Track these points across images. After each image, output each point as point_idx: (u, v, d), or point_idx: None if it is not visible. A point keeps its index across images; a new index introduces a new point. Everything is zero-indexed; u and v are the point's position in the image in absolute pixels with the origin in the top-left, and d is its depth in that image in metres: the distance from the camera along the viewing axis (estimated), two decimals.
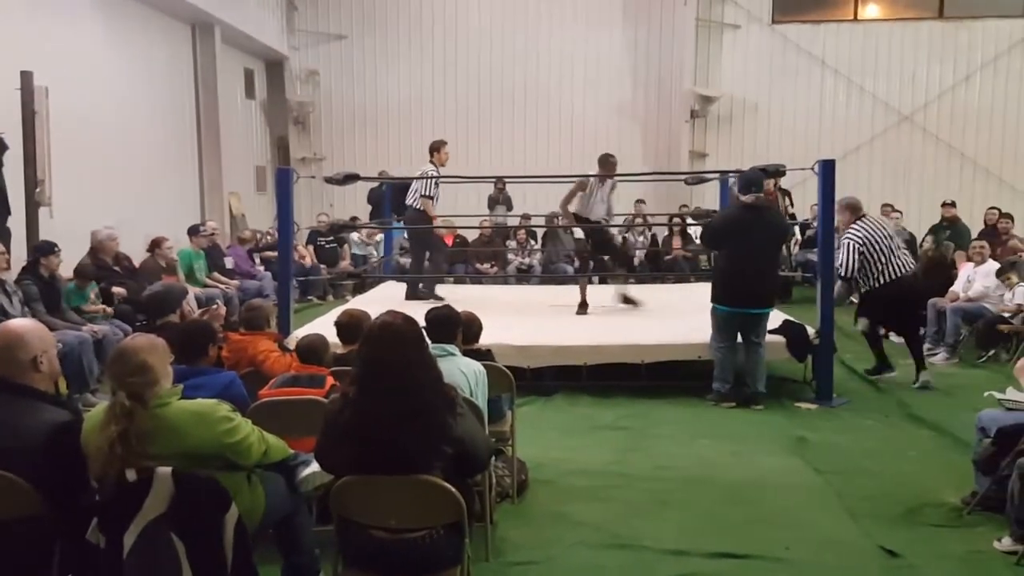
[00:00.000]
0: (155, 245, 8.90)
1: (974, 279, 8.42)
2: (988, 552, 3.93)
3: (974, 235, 11.06)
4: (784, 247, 9.57)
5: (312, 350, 4.33)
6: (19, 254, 7.20)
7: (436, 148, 8.94)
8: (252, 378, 4.31)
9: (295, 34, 15.50)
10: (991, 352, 8.09)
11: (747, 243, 6.31)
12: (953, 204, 11.85)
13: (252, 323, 5.01)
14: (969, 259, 8.77)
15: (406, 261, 12.47)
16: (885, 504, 4.54)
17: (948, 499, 4.56)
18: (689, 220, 11.50)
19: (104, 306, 7.38)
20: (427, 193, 8.72)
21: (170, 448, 2.68)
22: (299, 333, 6.22)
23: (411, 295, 8.82)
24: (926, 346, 8.49)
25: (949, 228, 11.47)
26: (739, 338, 6.47)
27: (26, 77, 7.24)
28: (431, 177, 8.76)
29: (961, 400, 6.55)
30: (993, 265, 8.42)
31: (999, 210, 11.62)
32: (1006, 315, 8.04)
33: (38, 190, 7.35)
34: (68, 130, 8.40)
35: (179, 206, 11.72)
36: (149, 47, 11.13)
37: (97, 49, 9.93)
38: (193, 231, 9.83)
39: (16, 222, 7.44)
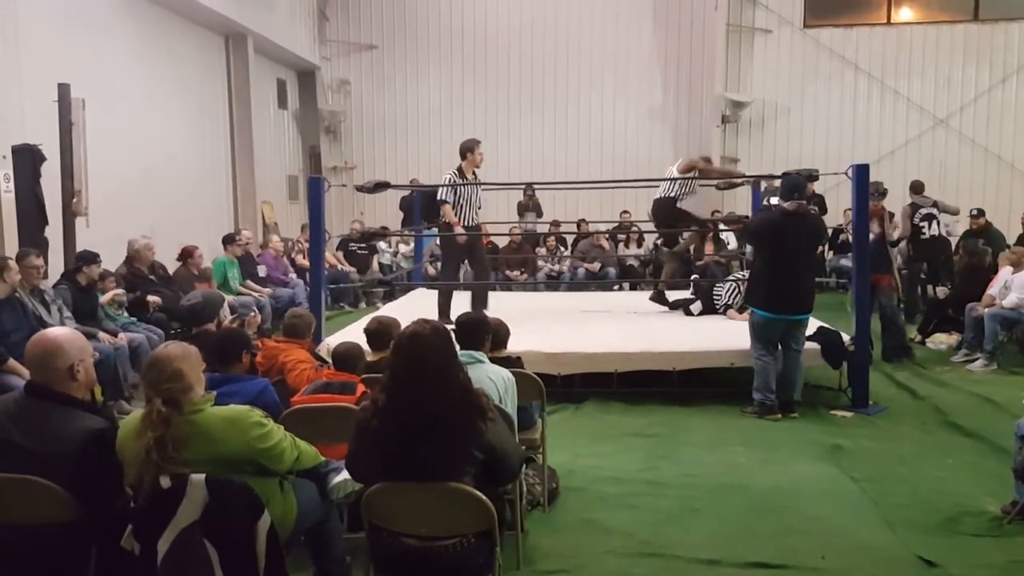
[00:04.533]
0: (186, 255, 9.02)
1: (1012, 286, 8.21)
2: None
3: (1011, 240, 10.87)
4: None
5: (347, 358, 4.36)
6: (56, 263, 7.32)
7: (469, 149, 8.15)
8: (281, 385, 4.34)
9: (326, 44, 15.64)
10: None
11: (787, 249, 6.26)
12: (981, 214, 11.57)
13: (293, 330, 5.02)
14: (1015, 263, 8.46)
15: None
16: (922, 513, 4.47)
17: (987, 508, 4.48)
18: (721, 226, 11.42)
19: (117, 290, 7.44)
20: (442, 197, 8.02)
21: (203, 454, 2.70)
22: (331, 340, 6.26)
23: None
24: (963, 352, 8.37)
25: (981, 236, 11.26)
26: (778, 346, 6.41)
27: (63, 89, 7.36)
28: (448, 184, 8.05)
29: (1000, 407, 6.44)
30: None
31: None
32: None
33: (75, 200, 7.47)
34: (104, 141, 8.54)
35: (213, 215, 11.86)
36: (183, 58, 11.28)
37: (133, 61, 10.08)
38: (228, 240, 9.94)
39: (53, 232, 7.57)
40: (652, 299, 8.92)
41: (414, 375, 2.82)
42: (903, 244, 9.70)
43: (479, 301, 8.01)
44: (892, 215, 8.51)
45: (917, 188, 10.42)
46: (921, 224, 10.03)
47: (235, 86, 12.58)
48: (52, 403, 2.85)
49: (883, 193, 8.28)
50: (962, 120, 14.55)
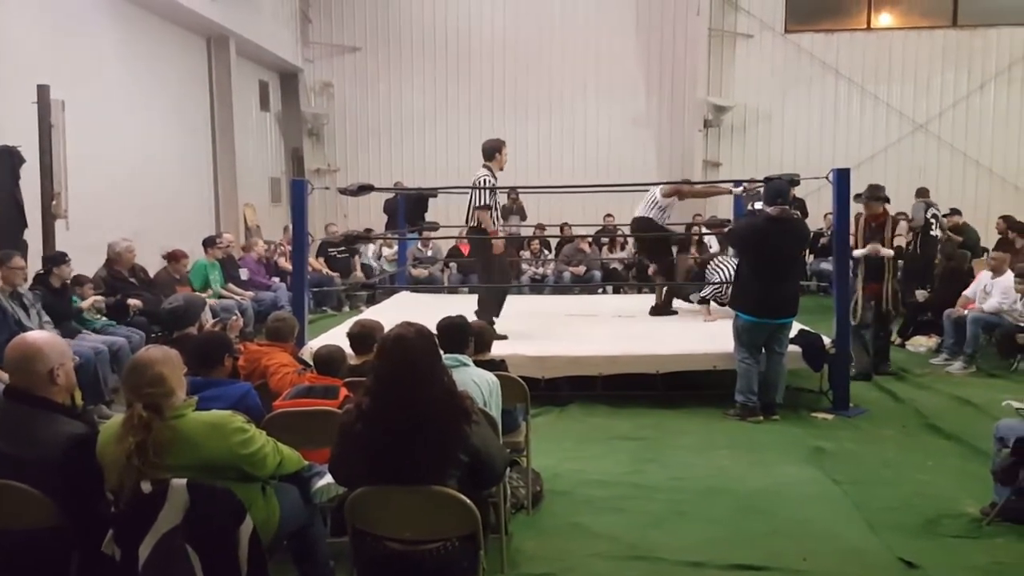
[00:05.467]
0: (173, 259, 8.97)
1: (991, 291, 8.29)
2: (1009, 563, 3.90)
3: (990, 244, 10.99)
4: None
5: (329, 361, 4.34)
6: (35, 266, 7.25)
7: (497, 149, 7.44)
8: (264, 389, 4.31)
9: (309, 46, 15.60)
10: (1015, 362, 7.99)
11: (772, 254, 6.30)
12: (956, 212, 11.93)
13: (275, 334, 4.98)
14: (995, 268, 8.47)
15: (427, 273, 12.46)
16: (904, 514, 4.50)
17: (967, 510, 4.52)
18: (704, 229, 11.47)
19: (97, 296, 7.41)
20: (482, 203, 7.24)
21: (185, 459, 2.69)
22: (314, 344, 6.23)
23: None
24: (943, 356, 8.44)
25: (958, 233, 11.42)
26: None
27: (43, 91, 7.30)
28: (485, 187, 7.24)
29: (979, 409, 6.49)
30: (1011, 277, 8.30)
31: (1005, 219, 11.51)
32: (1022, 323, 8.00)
33: (54, 203, 7.40)
34: (84, 143, 8.47)
35: (194, 217, 11.78)
36: (165, 60, 11.21)
37: (113, 62, 10.00)
38: (209, 243, 9.89)
39: (32, 235, 7.50)
40: (654, 313, 8.85)
41: (399, 378, 2.81)
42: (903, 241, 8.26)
43: (491, 308, 7.39)
44: (898, 222, 7.76)
45: (923, 193, 11.24)
46: (931, 220, 10.55)
47: (217, 88, 12.50)
48: (32, 408, 2.82)
49: (871, 197, 7.68)
50: (941, 125, 14.70)
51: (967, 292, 8.51)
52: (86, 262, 7.69)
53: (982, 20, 14.62)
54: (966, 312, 8.25)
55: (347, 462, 2.88)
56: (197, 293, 8.52)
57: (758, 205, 6.96)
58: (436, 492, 2.73)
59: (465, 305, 8.14)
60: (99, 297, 7.44)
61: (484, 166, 7.41)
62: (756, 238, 6.42)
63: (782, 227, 6.35)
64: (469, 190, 7.38)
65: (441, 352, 3.13)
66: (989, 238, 11.78)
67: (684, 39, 14.99)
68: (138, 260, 8.49)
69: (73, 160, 7.68)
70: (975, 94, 14.60)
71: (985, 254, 11.40)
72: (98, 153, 9.22)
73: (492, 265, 7.72)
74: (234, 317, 6.53)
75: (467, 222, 7.48)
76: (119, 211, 9.57)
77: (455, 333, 4.18)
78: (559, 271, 13.11)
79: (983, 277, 8.52)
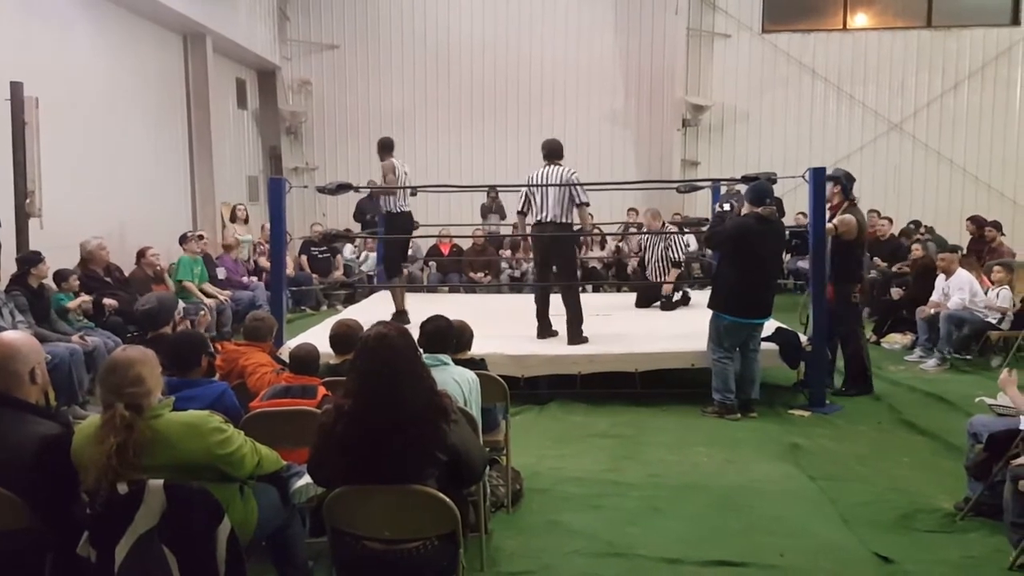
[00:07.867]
0: (140, 255, 8.91)
1: (948, 291, 8.42)
2: (981, 557, 3.95)
3: (964, 243, 11.12)
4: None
5: (303, 361, 4.32)
6: (9, 265, 7.17)
7: (562, 146, 7.48)
8: (241, 390, 4.29)
9: (287, 44, 15.50)
10: (977, 350, 8.10)
11: (758, 254, 6.32)
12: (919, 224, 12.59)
13: (253, 333, 4.96)
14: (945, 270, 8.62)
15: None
16: (879, 510, 4.55)
17: (941, 505, 4.58)
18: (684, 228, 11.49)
19: (85, 296, 7.36)
20: (586, 200, 7.24)
21: (162, 460, 2.67)
22: (292, 344, 6.21)
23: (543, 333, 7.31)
24: (917, 353, 8.53)
25: (924, 242, 11.56)
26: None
27: (16, 88, 7.21)
28: (581, 184, 7.20)
29: (953, 406, 6.58)
30: (964, 275, 8.42)
31: (975, 218, 11.65)
32: (992, 320, 8.12)
33: (28, 201, 7.32)
34: (58, 141, 8.37)
35: (171, 216, 11.67)
36: (140, 57, 11.10)
37: (88, 59, 9.89)
38: (183, 239, 9.83)
39: (6, 234, 7.40)
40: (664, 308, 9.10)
41: (381, 377, 2.80)
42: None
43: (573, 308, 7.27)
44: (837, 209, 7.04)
45: (930, 231, 12.07)
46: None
47: (194, 86, 12.38)
48: (8, 408, 2.79)
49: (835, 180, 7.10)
50: (915, 125, 14.85)
51: (934, 298, 8.60)
52: (61, 261, 7.60)
53: (956, 21, 14.78)
54: (933, 312, 8.38)
55: (327, 462, 2.87)
56: (170, 293, 8.46)
57: (726, 206, 6.91)
58: (415, 491, 2.73)
59: (444, 305, 8.16)
60: (87, 297, 7.38)
61: (557, 164, 7.33)
62: (747, 238, 6.34)
63: (769, 228, 6.38)
64: (446, 189, 7.33)
65: (421, 351, 3.13)
66: (963, 236, 11.91)
67: (662, 39, 15.04)
68: (116, 260, 8.42)
69: (47, 158, 7.59)
70: (949, 94, 14.76)
71: (959, 251, 11.54)
72: (73, 151, 9.12)
73: (576, 264, 7.79)
74: (201, 312, 6.51)
75: (558, 218, 7.21)
76: (94, 210, 9.46)
77: (438, 334, 4.18)
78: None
79: (939, 281, 8.61)
